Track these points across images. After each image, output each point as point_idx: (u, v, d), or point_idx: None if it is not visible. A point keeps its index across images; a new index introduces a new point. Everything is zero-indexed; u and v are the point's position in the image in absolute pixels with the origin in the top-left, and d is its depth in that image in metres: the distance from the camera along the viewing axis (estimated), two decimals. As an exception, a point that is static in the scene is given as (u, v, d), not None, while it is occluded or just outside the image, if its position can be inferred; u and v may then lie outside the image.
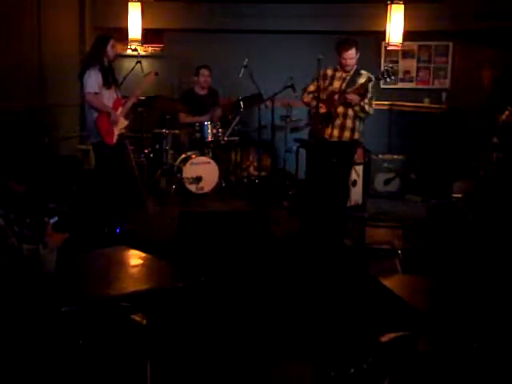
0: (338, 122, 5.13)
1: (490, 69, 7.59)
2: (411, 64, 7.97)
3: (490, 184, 5.03)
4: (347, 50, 5.04)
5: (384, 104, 7.76)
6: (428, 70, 7.97)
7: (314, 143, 5.37)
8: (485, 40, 7.47)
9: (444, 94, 7.74)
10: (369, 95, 5.10)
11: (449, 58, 7.88)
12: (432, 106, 7.62)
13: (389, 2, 7.02)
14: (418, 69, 7.98)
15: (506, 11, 7.08)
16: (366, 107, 5.10)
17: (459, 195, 5.10)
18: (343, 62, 5.08)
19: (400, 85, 7.97)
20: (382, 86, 7.92)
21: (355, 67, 5.15)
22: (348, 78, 5.13)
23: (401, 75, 7.98)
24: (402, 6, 6.97)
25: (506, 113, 5.27)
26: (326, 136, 5.17)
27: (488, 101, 7.23)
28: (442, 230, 4.75)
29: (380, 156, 6.95)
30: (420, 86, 7.95)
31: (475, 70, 7.66)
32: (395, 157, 6.96)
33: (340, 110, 5.11)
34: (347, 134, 5.16)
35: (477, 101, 7.40)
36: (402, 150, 7.21)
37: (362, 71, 5.16)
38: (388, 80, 5.04)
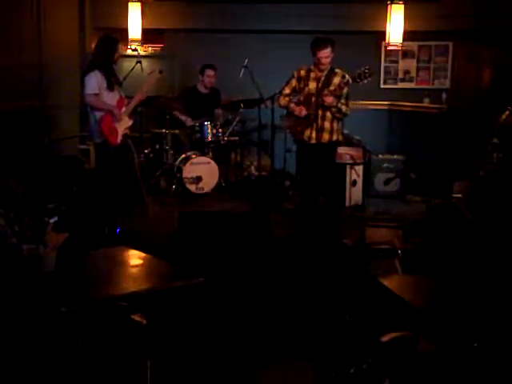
0: (316, 124, 5.06)
1: (490, 69, 7.59)
2: (411, 64, 7.98)
3: (490, 184, 5.03)
4: (322, 49, 4.95)
5: (384, 104, 7.76)
6: (428, 70, 7.97)
7: (297, 146, 5.36)
8: (485, 40, 7.48)
9: (444, 94, 7.74)
10: (344, 96, 5.06)
11: (449, 57, 7.89)
12: (432, 106, 7.62)
13: (389, 2, 7.01)
14: (418, 69, 7.99)
15: (506, 11, 7.09)
16: (343, 108, 5.07)
17: (459, 195, 5.09)
18: (318, 61, 5.00)
19: (400, 85, 7.98)
20: (382, 86, 7.96)
21: (329, 66, 5.08)
22: (323, 77, 5.07)
23: (401, 75, 7.99)
24: (402, 6, 6.96)
25: (506, 113, 5.27)
26: (305, 138, 5.13)
27: (488, 101, 7.23)
28: (442, 230, 4.75)
29: (380, 156, 6.94)
30: (420, 86, 7.96)
31: (475, 70, 7.67)
32: (395, 157, 6.95)
33: (318, 112, 5.06)
34: (326, 136, 5.11)
35: (477, 101, 7.41)
36: (402, 150, 7.21)
37: (337, 70, 5.10)
38: (365, 81, 4.93)
